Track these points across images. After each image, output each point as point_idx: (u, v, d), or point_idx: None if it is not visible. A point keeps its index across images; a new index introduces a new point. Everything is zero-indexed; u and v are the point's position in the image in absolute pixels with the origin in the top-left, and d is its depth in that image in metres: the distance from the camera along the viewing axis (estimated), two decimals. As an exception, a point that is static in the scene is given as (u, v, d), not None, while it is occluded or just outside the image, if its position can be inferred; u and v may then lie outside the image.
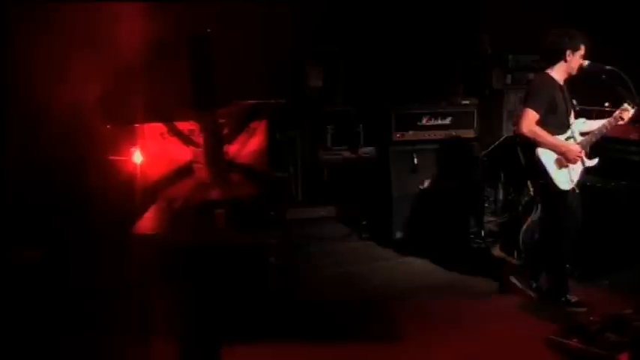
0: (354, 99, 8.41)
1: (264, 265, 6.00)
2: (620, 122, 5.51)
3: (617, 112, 5.49)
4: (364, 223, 7.62)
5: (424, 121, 7.12)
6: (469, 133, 7.21)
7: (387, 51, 8.28)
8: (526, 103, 5.49)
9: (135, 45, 6.42)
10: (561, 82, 5.53)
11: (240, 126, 6.66)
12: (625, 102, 5.44)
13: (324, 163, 8.26)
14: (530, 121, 5.39)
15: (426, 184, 7.14)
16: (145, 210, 5.98)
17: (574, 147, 5.46)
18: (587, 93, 5.95)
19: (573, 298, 5.60)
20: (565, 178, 5.48)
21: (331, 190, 8.17)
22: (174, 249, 5.55)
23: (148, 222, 5.88)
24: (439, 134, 7.16)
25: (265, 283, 5.88)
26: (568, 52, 5.40)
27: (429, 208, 7.12)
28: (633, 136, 6.29)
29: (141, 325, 5.22)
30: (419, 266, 6.73)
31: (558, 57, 5.45)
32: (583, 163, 5.54)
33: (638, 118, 5.64)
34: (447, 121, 7.16)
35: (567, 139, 5.54)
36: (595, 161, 5.64)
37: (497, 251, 7.03)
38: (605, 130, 5.57)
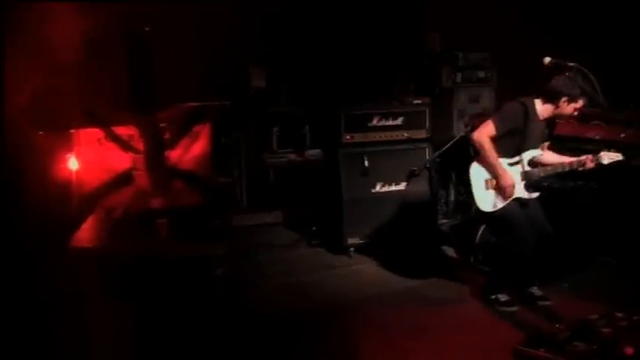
0: (299, 99, 8.16)
1: (211, 277, 5.67)
2: (584, 168, 5.37)
3: (585, 158, 5.34)
4: (314, 229, 7.32)
5: (375, 122, 6.84)
6: (421, 134, 6.97)
7: (334, 50, 8.04)
8: (495, 116, 5.47)
9: (67, 45, 6.01)
10: (541, 117, 5.44)
11: (183, 130, 6.39)
12: (603, 151, 5.29)
13: (270, 167, 8.01)
14: (486, 132, 5.37)
15: (378, 187, 6.82)
16: (83, 221, 5.65)
17: (507, 177, 5.37)
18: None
19: (503, 297, 5.54)
20: (488, 200, 5.46)
21: (277, 195, 7.87)
22: (114, 262, 5.27)
23: (85, 234, 5.59)
24: (390, 135, 6.89)
25: (212, 295, 5.55)
26: (563, 99, 5.31)
27: (382, 211, 6.84)
28: (589, 135, 6.14)
29: (79, 343, 4.85)
30: (373, 273, 6.45)
31: (552, 99, 5.36)
32: (510, 194, 5.41)
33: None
34: (399, 121, 6.90)
35: (511, 164, 5.46)
36: (533, 195, 5.52)
37: (452, 255, 6.80)
38: (560, 170, 5.47)
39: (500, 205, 5.43)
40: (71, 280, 5.28)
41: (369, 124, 6.84)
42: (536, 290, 5.60)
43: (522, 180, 5.46)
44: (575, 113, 5.33)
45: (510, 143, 5.42)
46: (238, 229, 7.33)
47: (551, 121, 5.57)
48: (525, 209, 5.49)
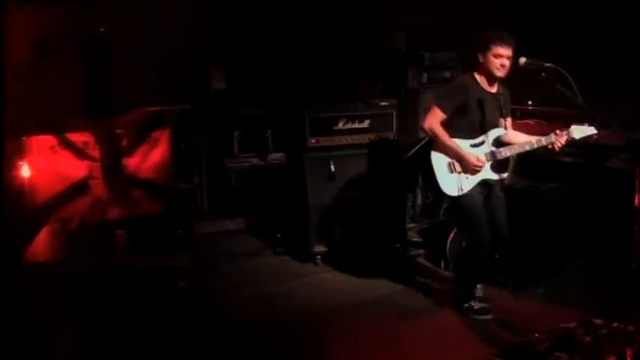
0: (261, 101, 7.87)
1: (173, 289, 5.44)
2: (553, 146, 5.18)
3: (554, 135, 5.17)
4: (278, 236, 7.08)
5: (340, 125, 6.61)
6: (388, 136, 6.77)
7: (296, 50, 7.81)
8: (437, 100, 5.36)
9: (17, 47, 5.69)
10: (487, 87, 5.27)
11: (141, 136, 6.15)
12: (573, 124, 5.13)
13: (232, 172, 7.72)
14: (434, 118, 5.25)
15: (345, 192, 6.63)
16: (36, 233, 5.37)
17: (471, 156, 5.20)
18: (527, 92, 5.65)
19: (477, 305, 5.37)
20: (453, 184, 5.27)
21: (240, 201, 7.60)
22: (70, 276, 5.03)
23: (40, 246, 5.33)
24: (357, 138, 6.67)
25: (175, 308, 5.31)
26: (480, 56, 5.19)
27: (349, 217, 6.63)
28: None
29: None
30: (342, 282, 6.24)
31: (475, 62, 5.24)
32: (480, 173, 5.25)
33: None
34: (365, 124, 6.69)
35: (474, 145, 5.28)
36: (503, 175, 5.37)
37: (422, 261, 6.63)
38: (528, 148, 5.27)
39: (467, 187, 5.26)
40: (26, 296, 5.00)
41: (335, 128, 6.62)
42: (476, 304, 5.41)
43: (488, 160, 5.28)
44: (505, 63, 5.08)
45: (467, 124, 5.25)
46: (200, 237, 7.08)
47: (506, 95, 5.38)
48: (488, 206, 5.34)
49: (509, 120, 5.41)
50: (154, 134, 6.22)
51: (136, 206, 6.02)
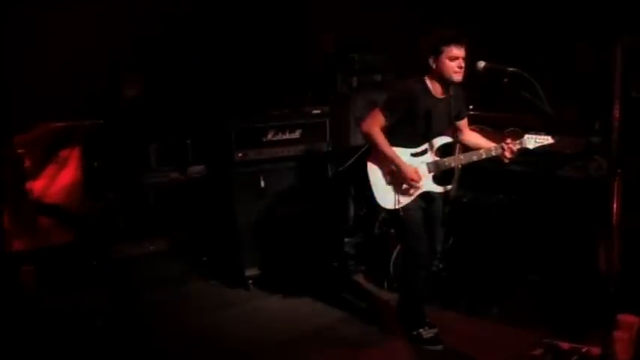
0: (180, 109, 7.22)
1: (90, 330, 4.82)
2: (504, 157, 4.78)
3: (504, 145, 4.76)
4: (204, 259, 6.50)
5: (270, 137, 6.10)
6: (322, 147, 6.29)
7: (218, 54, 7.21)
8: (382, 104, 4.87)
9: None
10: (439, 93, 4.80)
11: (47, 156, 5.48)
12: (527, 134, 4.74)
13: (150, 188, 7.01)
14: (374, 122, 4.78)
15: (277, 209, 6.13)
16: None
17: (409, 168, 4.75)
18: (489, 99, 5.24)
19: (426, 333, 4.92)
20: (390, 197, 4.82)
21: (161, 220, 6.92)
22: None
23: None
24: (288, 150, 6.17)
25: (92, 353, 4.68)
26: (431, 60, 4.70)
27: (282, 236, 6.14)
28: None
29: None
30: (278, 311, 5.68)
31: (425, 66, 4.75)
32: (418, 186, 4.82)
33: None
34: (296, 134, 6.20)
35: (415, 154, 4.85)
36: (447, 188, 4.94)
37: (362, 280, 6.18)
38: (475, 158, 4.86)
39: (405, 201, 4.82)
40: None
41: (264, 139, 6.10)
42: (426, 332, 4.95)
43: (430, 172, 4.86)
44: (462, 64, 4.63)
45: (410, 132, 4.81)
46: (119, 262, 6.39)
47: (459, 96, 4.93)
48: (427, 220, 4.93)
49: (464, 121, 5.02)
50: (62, 153, 5.58)
51: (44, 236, 5.37)
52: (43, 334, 4.69)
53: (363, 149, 5.96)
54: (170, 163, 7.09)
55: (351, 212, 7.13)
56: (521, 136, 4.76)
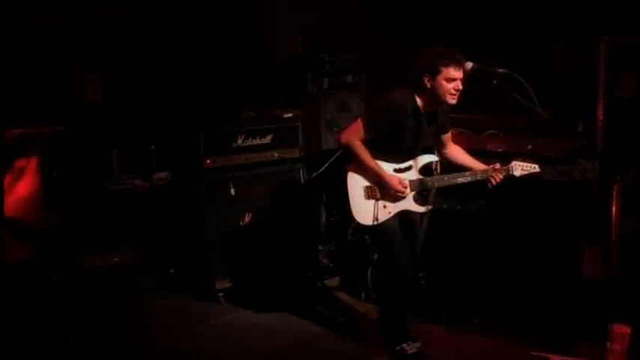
0: (142, 112, 6.88)
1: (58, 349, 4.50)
2: (489, 182, 4.61)
3: (491, 170, 4.62)
4: (172, 271, 6.17)
5: (239, 142, 5.79)
6: (294, 152, 6.02)
7: (183, 55, 6.89)
8: (365, 115, 4.63)
9: None
10: (426, 110, 4.57)
11: (2, 167, 5.11)
12: (514, 160, 4.59)
13: (113, 196, 6.65)
14: (356, 134, 4.55)
15: (248, 218, 5.80)
16: None
17: (394, 178, 4.51)
18: (479, 103, 5.13)
19: (410, 349, 4.65)
20: (368, 213, 4.56)
21: (125, 230, 6.58)
22: None
23: None
24: (259, 156, 5.88)
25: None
26: (425, 79, 4.44)
27: (254, 246, 5.84)
28: (491, 147, 5.41)
29: None
30: (252, 326, 5.37)
31: (418, 84, 4.48)
32: (401, 202, 4.59)
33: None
34: (268, 139, 5.91)
35: (399, 170, 4.62)
36: (423, 209, 4.72)
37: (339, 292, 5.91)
38: (460, 180, 4.66)
39: (384, 217, 4.57)
40: None
41: (233, 145, 5.79)
42: (409, 347, 4.68)
43: (412, 190, 4.61)
44: (459, 87, 4.40)
45: (397, 146, 4.59)
46: (83, 276, 6.06)
47: (444, 110, 4.71)
48: (406, 231, 4.70)
49: (448, 135, 4.81)
50: (18, 163, 5.23)
51: (1, 253, 5.02)
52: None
53: (336, 154, 5.74)
54: (133, 170, 6.76)
55: (323, 218, 6.87)
56: (509, 163, 4.59)
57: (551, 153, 5.25)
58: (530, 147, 5.02)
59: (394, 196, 4.54)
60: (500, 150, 5.40)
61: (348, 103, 7.12)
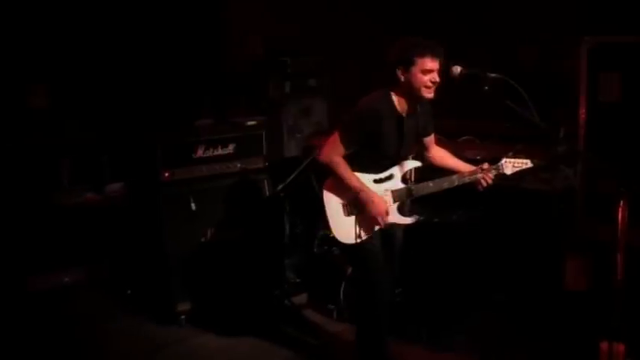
0: (93, 121, 6.43)
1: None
2: (479, 184, 4.29)
3: (480, 171, 4.29)
4: (129, 292, 5.77)
5: (200, 153, 5.43)
6: (258, 162, 5.67)
7: (137, 61, 6.45)
8: (341, 127, 4.15)
9: None
10: (405, 109, 4.18)
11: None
12: (504, 158, 4.26)
13: (62, 210, 6.20)
14: (333, 151, 4.12)
15: (210, 234, 5.46)
16: None
17: (379, 203, 4.10)
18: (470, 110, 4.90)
19: None
20: (349, 231, 4.18)
21: (76, 247, 6.15)
22: None
23: None
24: (221, 168, 5.53)
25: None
26: (399, 73, 4.04)
27: (217, 264, 5.49)
28: (469, 154, 5.15)
29: None
30: (219, 349, 4.99)
31: (392, 78, 4.09)
32: (386, 222, 4.19)
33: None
34: (230, 149, 5.56)
35: (379, 180, 4.23)
36: (409, 220, 4.33)
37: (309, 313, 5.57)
38: (447, 186, 4.30)
39: (366, 235, 4.19)
40: None
41: (193, 156, 5.43)
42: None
43: (396, 201, 4.25)
44: (436, 79, 4.02)
45: (375, 154, 4.19)
46: (30, 298, 5.67)
47: (426, 110, 4.36)
48: (386, 247, 4.35)
49: (431, 137, 4.47)
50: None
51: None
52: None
53: (302, 165, 5.40)
54: (84, 182, 6.36)
55: (287, 230, 6.52)
56: (498, 161, 4.27)
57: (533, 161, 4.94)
58: (510, 154, 4.71)
59: (374, 220, 4.15)
60: (479, 157, 5.09)
61: (311, 108, 6.80)
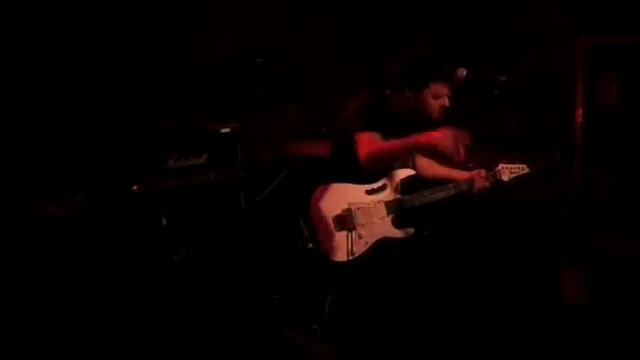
0: (53, 129, 5.91)
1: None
2: (475, 192, 4.15)
3: (476, 178, 4.18)
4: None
5: (171, 163, 5.16)
6: (233, 173, 5.44)
7: (101, 60, 6.07)
8: (354, 125, 3.91)
9: None
10: (400, 116, 4.01)
11: None
12: (501, 163, 4.16)
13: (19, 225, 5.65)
14: (366, 145, 3.82)
15: (182, 251, 5.16)
16: None
17: (438, 133, 3.77)
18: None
19: None
20: (340, 246, 3.94)
21: (41, 265, 5.72)
22: None
23: None
24: (193, 179, 5.31)
25: None
26: (406, 88, 3.92)
27: (191, 284, 5.18)
28: (460, 162, 4.88)
29: None
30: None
31: (397, 90, 3.96)
32: (378, 229, 4.00)
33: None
34: (203, 159, 5.35)
35: (372, 191, 4.01)
36: (403, 233, 4.09)
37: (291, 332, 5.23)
38: (443, 195, 4.15)
39: (359, 251, 3.94)
40: None
41: (164, 167, 5.19)
42: None
43: (390, 213, 4.01)
44: (446, 104, 3.92)
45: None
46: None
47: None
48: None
49: None
50: None
51: None
52: None
53: (280, 176, 5.15)
54: (44, 193, 5.90)
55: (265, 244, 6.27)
56: (495, 167, 4.15)
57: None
58: (504, 161, 4.50)
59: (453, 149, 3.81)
60: (470, 165, 4.84)
61: (286, 111, 6.56)
